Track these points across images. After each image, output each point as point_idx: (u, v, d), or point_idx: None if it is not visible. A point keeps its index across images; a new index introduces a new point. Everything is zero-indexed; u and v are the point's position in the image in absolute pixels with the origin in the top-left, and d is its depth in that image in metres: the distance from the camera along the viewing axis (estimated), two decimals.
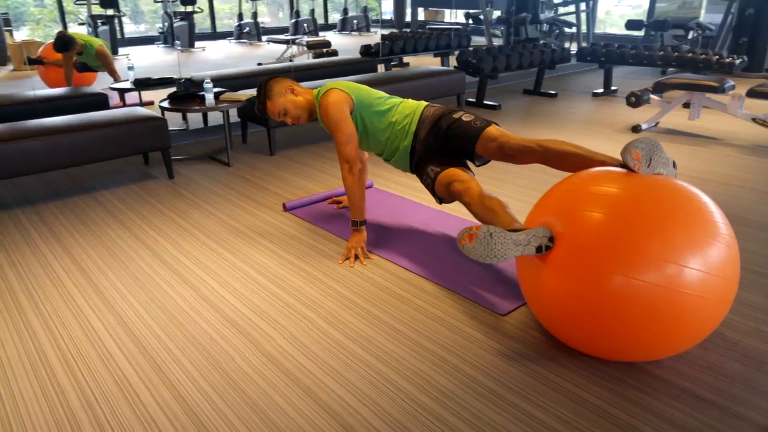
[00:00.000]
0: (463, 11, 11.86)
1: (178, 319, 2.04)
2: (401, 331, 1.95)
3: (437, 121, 2.42)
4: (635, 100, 4.45)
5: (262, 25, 14.71)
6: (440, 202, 2.43)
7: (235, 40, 12.49)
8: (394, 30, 12.22)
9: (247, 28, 12.69)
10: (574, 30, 9.36)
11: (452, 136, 2.36)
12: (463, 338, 1.91)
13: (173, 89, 4.08)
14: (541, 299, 1.74)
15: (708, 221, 1.61)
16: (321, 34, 13.69)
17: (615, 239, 1.56)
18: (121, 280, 2.32)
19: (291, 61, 9.30)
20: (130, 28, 13.87)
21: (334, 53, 7.97)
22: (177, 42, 12.06)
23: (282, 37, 11.35)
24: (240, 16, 13.26)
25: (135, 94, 5.34)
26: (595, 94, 6.12)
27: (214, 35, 13.79)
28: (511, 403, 1.60)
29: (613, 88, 6.30)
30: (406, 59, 8.81)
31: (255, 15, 13.04)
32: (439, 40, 7.05)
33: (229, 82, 4.71)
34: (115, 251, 2.59)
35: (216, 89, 3.98)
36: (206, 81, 3.66)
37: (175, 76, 4.75)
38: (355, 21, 14.23)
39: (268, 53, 10.83)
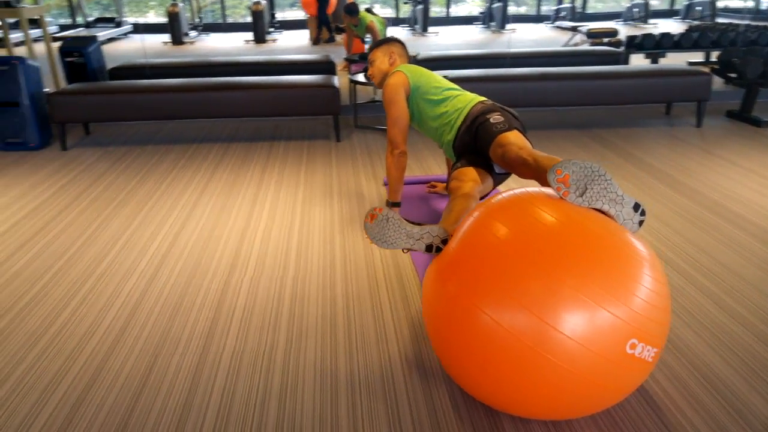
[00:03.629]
0: None
1: (209, 244, 2.62)
2: (336, 304, 2.11)
3: (475, 119, 2.35)
4: None
5: (595, 10, 14.19)
6: None
7: (551, 24, 12.48)
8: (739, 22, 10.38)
9: (564, 12, 12.49)
10: None
11: (478, 136, 2.29)
12: (375, 331, 1.96)
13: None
14: (422, 299, 1.69)
15: (612, 285, 1.31)
16: (653, 21, 12.50)
17: (479, 264, 1.43)
18: (213, 207, 3.03)
19: (576, 46, 8.93)
20: (510, 9, 15.13)
21: (616, 44, 7.36)
22: (492, 23, 12.76)
23: (568, 24, 10.85)
24: (560, 0, 13.10)
25: None
26: None
27: (537, 18, 14.00)
28: (335, 403, 1.66)
29: None
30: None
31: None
32: (737, 36, 5.84)
33: (455, 63, 5.08)
34: (234, 186, 3.33)
35: None
36: None
37: None
38: (698, 8, 12.49)
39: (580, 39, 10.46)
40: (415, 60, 5.41)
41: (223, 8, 12.81)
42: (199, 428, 1.53)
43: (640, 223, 1.50)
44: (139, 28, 12.32)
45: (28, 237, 2.70)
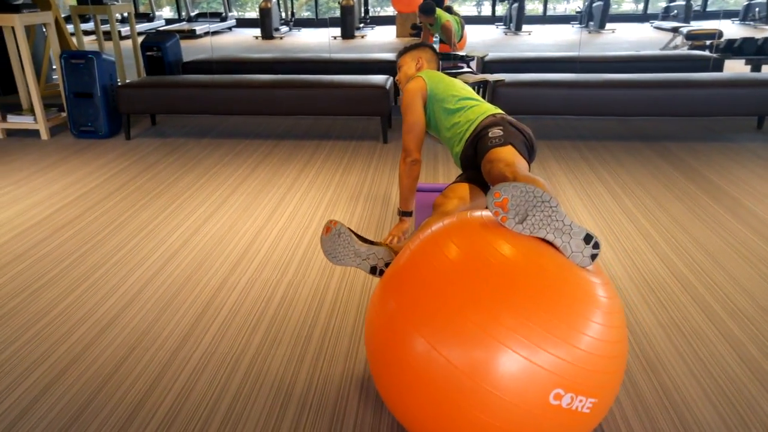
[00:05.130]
0: None
1: (223, 241, 2.70)
2: (320, 312, 2.09)
3: (479, 132, 2.24)
4: None
5: (719, 7, 13.11)
6: None
7: (656, 23, 11.68)
8: None
9: (675, 11, 11.63)
10: None
11: (476, 150, 2.19)
12: (349, 345, 1.92)
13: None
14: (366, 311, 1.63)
15: (540, 331, 1.20)
16: None
17: (420, 288, 1.35)
18: (240, 205, 3.12)
19: (675, 49, 8.28)
20: (627, 6, 14.43)
21: (713, 47, 6.71)
22: (591, 23, 12.16)
23: (668, 24, 10.02)
24: None
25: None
26: None
27: (644, 17, 13.17)
28: (281, 416, 1.65)
29: None
30: None
31: None
32: None
33: (520, 66, 4.91)
34: (268, 184, 3.40)
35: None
36: None
37: (459, 53, 5.20)
38: None
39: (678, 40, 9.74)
40: (482, 61, 5.26)
41: (316, 3, 13.17)
42: (144, 426, 1.58)
43: (593, 257, 1.35)
44: (241, 23, 12.97)
45: (66, 222, 2.92)
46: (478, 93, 5.88)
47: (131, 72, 6.46)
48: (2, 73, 5.78)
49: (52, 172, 3.67)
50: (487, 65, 5.13)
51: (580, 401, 1.22)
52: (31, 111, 4.55)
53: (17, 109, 4.88)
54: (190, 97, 4.21)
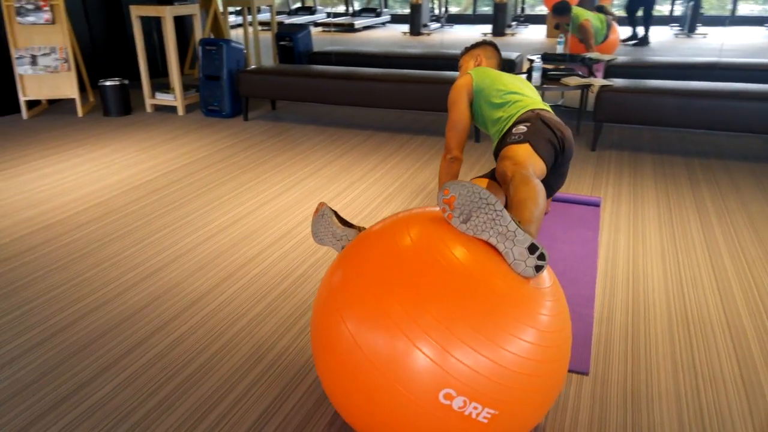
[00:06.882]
0: None
1: (277, 217, 2.93)
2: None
3: (511, 127, 2.19)
4: None
5: None
6: None
7: None
8: None
9: None
10: None
11: (502, 146, 2.15)
12: None
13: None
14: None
15: (444, 330, 1.21)
16: None
17: (360, 270, 1.41)
18: (309, 188, 3.34)
19: None
20: None
21: None
22: None
23: None
24: None
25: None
26: None
27: None
28: (242, 377, 1.81)
29: None
30: None
31: None
32: None
33: (648, 71, 4.58)
34: (342, 173, 3.59)
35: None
36: (536, 60, 3.90)
37: (589, 55, 4.93)
38: None
39: None
40: (606, 65, 4.95)
41: (475, 1, 13.17)
42: (134, 361, 1.83)
43: (537, 268, 1.29)
44: (396, 19, 13.45)
45: (161, 186, 3.36)
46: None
47: (268, 60, 7.09)
48: (162, 57, 6.70)
49: (171, 144, 4.21)
50: (611, 69, 4.82)
51: (475, 408, 1.20)
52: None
53: (167, 88, 5.64)
54: (299, 85, 4.55)
